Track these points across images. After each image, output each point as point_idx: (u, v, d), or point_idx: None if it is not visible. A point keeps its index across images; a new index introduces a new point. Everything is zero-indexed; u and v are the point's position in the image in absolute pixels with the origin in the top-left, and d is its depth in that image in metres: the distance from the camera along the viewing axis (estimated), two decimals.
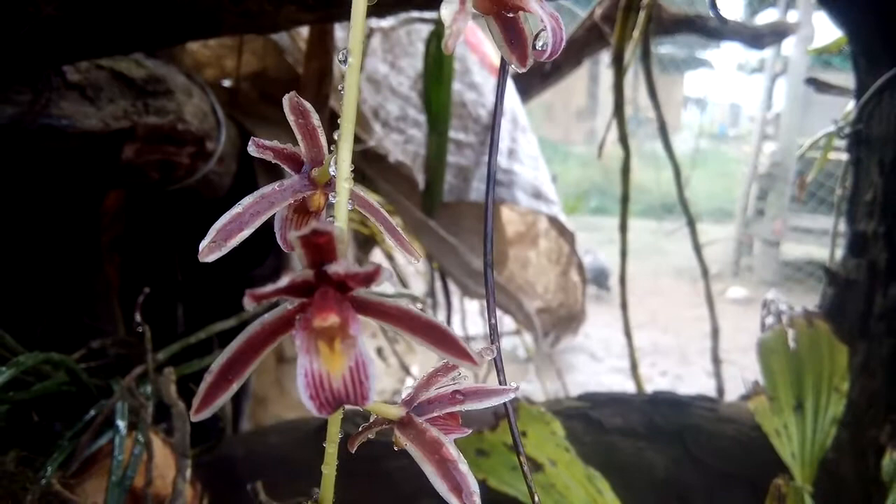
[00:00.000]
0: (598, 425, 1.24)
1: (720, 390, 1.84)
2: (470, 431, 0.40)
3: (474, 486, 0.35)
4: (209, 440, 1.13)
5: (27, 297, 1.19)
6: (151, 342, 1.01)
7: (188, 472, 0.84)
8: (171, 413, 0.92)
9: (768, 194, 5.95)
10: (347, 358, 0.29)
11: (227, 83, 1.69)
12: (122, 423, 0.88)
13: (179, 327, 1.49)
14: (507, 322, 2.69)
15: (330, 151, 0.39)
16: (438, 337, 0.33)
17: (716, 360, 1.89)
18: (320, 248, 0.28)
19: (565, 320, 2.82)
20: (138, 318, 1.03)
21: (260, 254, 1.40)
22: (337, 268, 0.28)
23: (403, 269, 2.70)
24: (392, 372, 2.58)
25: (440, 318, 0.34)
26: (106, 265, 1.37)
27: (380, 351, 2.37)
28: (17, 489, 0.76)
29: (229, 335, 1.11)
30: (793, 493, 1.02)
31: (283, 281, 0.27)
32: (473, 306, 2.76)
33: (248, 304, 0.26)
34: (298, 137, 0.40)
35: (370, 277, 0.28)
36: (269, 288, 0.27)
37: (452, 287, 2.31)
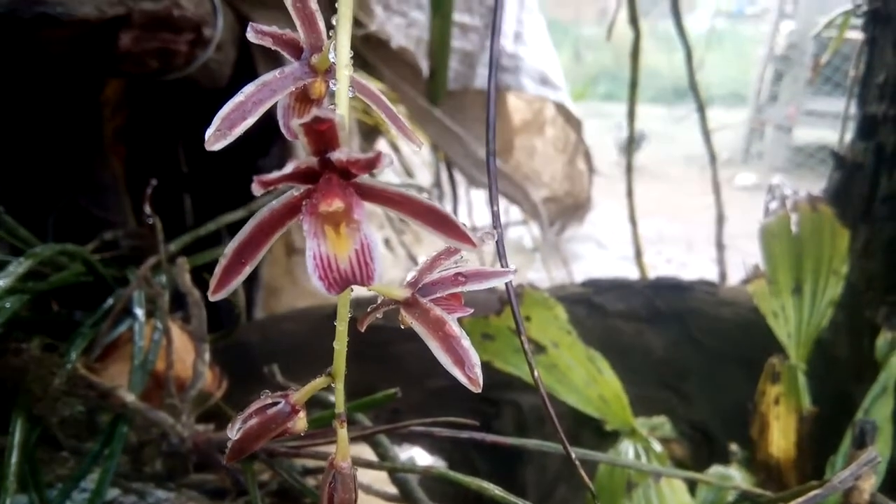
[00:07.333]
0: (601, 309, 1.27)
1: (722, 275, 1.87)
2: (472, 311, 0.41)
3: (476, 359, 0.37)
4: (225, 327, 1.18)
5: (35, 190, 1.20)
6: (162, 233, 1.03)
7: (207, 356, 0.88)
8: (186, 302, 0.95)
9: (783, 77, 5.80)
10: (353, 241, 0.30)
11: None
12: (140, 311, 0.92)
13: (188, 219, 1.51)
14: (513, 212, 2.70)
15: (329, 37, 0.39)
16: (439, 220, 0.34)
17: (719, 246, 1.91)
18: (323, 135, 0.29)
19: (571, 209, 2.84)
20: (148, 209, 1.04)
21: (264, 144, 1.39)
22: (339, 154, 0.29)
23: (409, 160, 2.68)
24: (399, 262, 2.62)
25: (446, 208, 0.35)
26: (111, 157, 1.37)
27: (387, 242, 2.40)
28: (45, 373, 0.80)
29: (238, 226, 1.13)
30: (787, 371, 1.06)
31: (289, 167, 0.28)
32: (480, 197, 2.75)
33: (257, 190, 0.27)
34: (297, 23, 0.39)
35: (372, 163, 0.29)
36: (276, 174, 0.28)
37: (459, 177, 2.30)
